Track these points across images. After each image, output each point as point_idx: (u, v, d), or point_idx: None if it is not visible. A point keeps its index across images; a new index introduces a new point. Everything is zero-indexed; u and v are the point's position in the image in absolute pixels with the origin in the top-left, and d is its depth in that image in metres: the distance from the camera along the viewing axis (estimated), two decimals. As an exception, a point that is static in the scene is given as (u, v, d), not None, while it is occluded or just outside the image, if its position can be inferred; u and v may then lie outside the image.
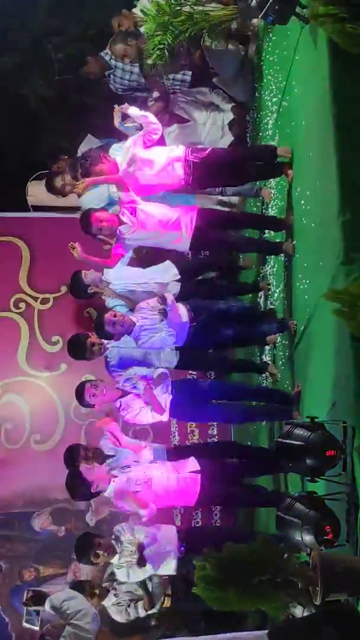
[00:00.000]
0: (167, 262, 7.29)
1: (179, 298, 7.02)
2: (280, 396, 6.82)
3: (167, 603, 7.35)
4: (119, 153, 7.16)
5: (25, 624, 7.66)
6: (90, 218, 6.86)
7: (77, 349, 7.13)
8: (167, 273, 7.28)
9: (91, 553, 6.68)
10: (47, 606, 7.38)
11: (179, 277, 7.27)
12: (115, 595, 7.40)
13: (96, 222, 6.83)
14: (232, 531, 8.23)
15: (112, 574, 7.14)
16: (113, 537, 6.71)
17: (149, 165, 6.90)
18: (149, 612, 7.35)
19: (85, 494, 6.80)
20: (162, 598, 7.33)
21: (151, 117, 6.99)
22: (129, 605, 7.33)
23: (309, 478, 4.68)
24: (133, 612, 7.34)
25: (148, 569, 6.61)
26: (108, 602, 7.44)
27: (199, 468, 6.66)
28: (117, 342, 6.92)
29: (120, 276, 7.29)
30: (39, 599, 7.46)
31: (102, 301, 7.72)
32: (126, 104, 7.05)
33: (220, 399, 6.94)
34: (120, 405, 6.93)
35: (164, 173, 6.93)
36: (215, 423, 9.31)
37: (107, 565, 7.15)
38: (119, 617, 7.41)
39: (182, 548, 6.58)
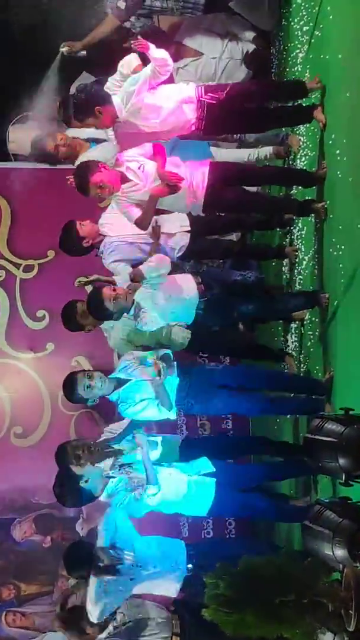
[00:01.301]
0: (176, 213, 7.26)
1: (187, 257, 7.02)
2: (308, 384, 6.82)
3: None
4: (117, 90, 7.07)
5: None
6: (90, 178, 6.72)
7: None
8: (174, 223, 7.26)
9: (90, 564, 6.63)
10: None
11: (189, 228, 7.26)
12: (115, 627, 7.35)
13: (95, 183, 6.71)
14: (250, 544, 8.24)
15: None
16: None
17: (155, 112, 6.83)
18: None
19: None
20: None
21: (169, 59, 6.85)
22: None
23: (342, 481, 4.68)
24: None
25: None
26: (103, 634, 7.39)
27: (213, 470, 6.66)
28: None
29: (119, 226, 7.26)
30: None
31: (98, 264, 7.70)
32: (143, 41, 6.87)
33: (237, 387, 6.93)
34: (119, 398, 6.91)
35: (172, 118, 6.87)
36: (230, 416, 9.33)
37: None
38: None
39: (190, 565, 6.59)
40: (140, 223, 6.84)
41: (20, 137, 9.27)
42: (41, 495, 9.18)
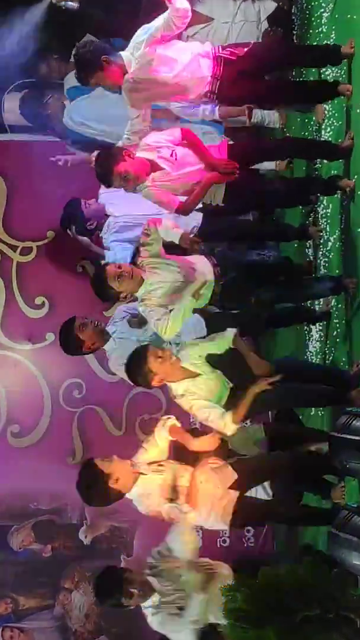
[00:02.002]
0: None
1: (200, 235, 7.03)
2: (334, 375, 6.81)
3: None
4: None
5: None
6: (113, 167, 6.62)
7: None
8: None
9: (121, 592, 6.55)
10: None
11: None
12: None
13: (120, 173, 6.61)
14: (270, 554, 8.26)
15: None
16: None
17: (168, 65, 6.75)
18: None
19: None
20: None
21: (189, 11, 6.78)
22: None
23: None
24: None
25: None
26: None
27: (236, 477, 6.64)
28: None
29: (125, 205, 7.25)
30: None
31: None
32: None
33: None
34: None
35: (187, 74, 6.80)
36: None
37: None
38: None
39: None
40: (185, 210, 6.82)
41: (16, 106, 9.25)
42: (41, 500, 9.19)
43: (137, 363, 6.22)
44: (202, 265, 6.82)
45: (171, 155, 6.68)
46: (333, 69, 7.19)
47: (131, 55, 6.68)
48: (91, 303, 8.70)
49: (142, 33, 6.66)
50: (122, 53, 6.70)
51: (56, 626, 8.82)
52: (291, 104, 7.81)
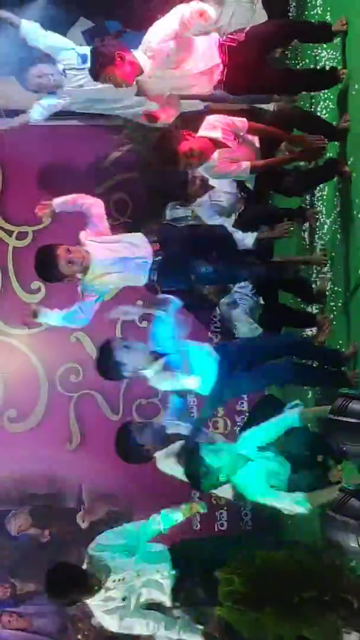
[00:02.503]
0: None
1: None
2: (329, 355, 6.81)
3: None
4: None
5: None
6: (179, 145, 6.66)
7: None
8: None
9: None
10: None
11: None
12: None
13: (185, 152, 6.67)
14: (264, 537, 8.28)
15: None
16: None
17: (187, 50, 6.78)
18: None
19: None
20: None
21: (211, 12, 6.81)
22: None
23: (369, 466, 4.69)
24: None
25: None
26: None
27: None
28: None
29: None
30: None
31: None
32: None
33: (252, 360, 6.91)
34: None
35: (203, 63, 6.79)
36: (245, 397, 9.35)
37: None
38: None
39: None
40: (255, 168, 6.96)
41: (10, 90, 9.23)
42: (38, 485, 9.19)
43: None
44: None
45: (234, 138, 6.81)
46: (328, 51, 7.18)
47: (144, 54, 6.70)
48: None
49: (156, 32, 6.68)
50: (135, 52, 6.72)
51: (54, 610, 8.81)
52: (294, 93, 7.78)
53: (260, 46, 6.89)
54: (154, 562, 6.49)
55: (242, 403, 9.47)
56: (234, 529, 9.21)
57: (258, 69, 6.92)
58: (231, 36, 6.80)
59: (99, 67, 6.75)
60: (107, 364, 6.60)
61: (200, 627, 6.39)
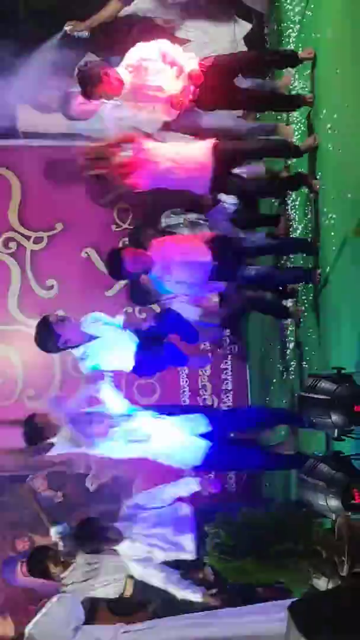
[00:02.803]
0: None
1: None
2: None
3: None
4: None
5: None
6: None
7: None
8: None
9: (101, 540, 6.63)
10: None
11: None
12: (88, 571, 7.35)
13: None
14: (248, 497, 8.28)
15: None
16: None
17: (161, 76, 6.76)
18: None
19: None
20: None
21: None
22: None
23: (335, 436, 4.68)
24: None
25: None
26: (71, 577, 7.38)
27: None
28: None
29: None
30: None
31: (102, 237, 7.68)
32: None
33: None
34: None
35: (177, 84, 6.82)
36: (229, 377, 9.33)
37: None
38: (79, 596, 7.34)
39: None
40: None
41: (29, 115, 9.22)
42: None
43: None
44: None
45: None
46: (300, 81, 7.18)
47: (125, 70, 6.70)
48: (94, 284, 8.75)
49: (135, 52, 6.68)
50: (117, 68, 6.71)
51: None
52: (263, 110, 7.77)
53: (228, 67, 6.90)
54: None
55: (227, 382, 9.47)
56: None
57: (225, 88, 6.92)
58: (202, 62, 6.82)
59: (91, 87, 6.73)
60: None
61: (200, 586, 6.38)
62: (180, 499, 6.79)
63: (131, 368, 6.97)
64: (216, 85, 6.83)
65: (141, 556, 6.38)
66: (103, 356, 6.89)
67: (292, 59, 6.92)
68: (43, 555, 7.16)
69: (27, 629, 6.38)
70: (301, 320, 7.22)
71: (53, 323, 6.82)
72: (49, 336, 6.88)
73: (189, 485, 6.72)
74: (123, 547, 6.44)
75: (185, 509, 6.56)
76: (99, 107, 7.26)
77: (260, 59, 7.35)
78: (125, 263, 6.83)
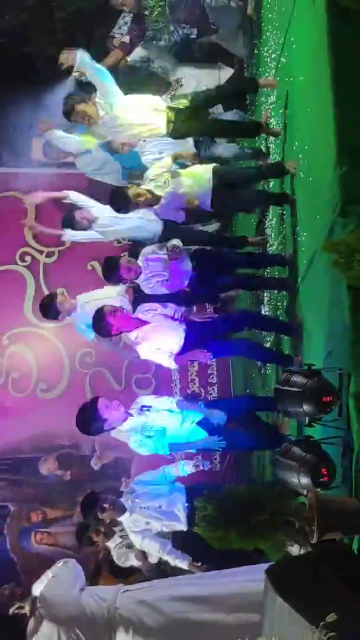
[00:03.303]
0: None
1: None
2: (281, 326, 6.85)
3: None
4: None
5: None
6: None
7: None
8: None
9: (96, 509, 6.51)
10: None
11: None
12: (121, 537, 7.30)
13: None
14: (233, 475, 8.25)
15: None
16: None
17: (130, 112, 6.86)
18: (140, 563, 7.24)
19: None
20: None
21: None
22: (124, 552, 7.24)
23: (306, 423, 4.70)
24: (125, 559, 7.24)
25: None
26: (112, 543, 7.36)
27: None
28: None
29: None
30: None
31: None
32: None
33: (227, 331, 6.87)
34: (137, 337, 6.61)
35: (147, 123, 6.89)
36: (214, 371, 9.35)
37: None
38: (117, 561, 7.31)
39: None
40: None
41: (42, 147, 9.25)
42: (62, 437, 9.17)
43: None
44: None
45: None
46: (275, 118, 7.20)
47: (100, 99, 6.79)
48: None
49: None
50: (95, 98, 6.78)
51: (74, 530, 8.79)
52: (227, 137, 7.81)
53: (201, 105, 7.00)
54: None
55: (212, 376, 9.47)
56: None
57: (199, 117, 6.99)
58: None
59: (70, 112, 6.92)
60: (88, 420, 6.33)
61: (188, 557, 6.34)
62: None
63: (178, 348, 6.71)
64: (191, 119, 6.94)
65: (140, 528, 6.35)
66: (155, 338, 6.68)
67: (252, 85, 7.25)
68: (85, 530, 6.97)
69: (38, 590, 6.34)
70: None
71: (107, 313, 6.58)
72: (104, 325, 6.62)
73: (185, 467, 6.68)
74: (125, 519, 6.42)
75: (179, 486, 6.52)
76: None
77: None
78: (120, 269, 6.80)
